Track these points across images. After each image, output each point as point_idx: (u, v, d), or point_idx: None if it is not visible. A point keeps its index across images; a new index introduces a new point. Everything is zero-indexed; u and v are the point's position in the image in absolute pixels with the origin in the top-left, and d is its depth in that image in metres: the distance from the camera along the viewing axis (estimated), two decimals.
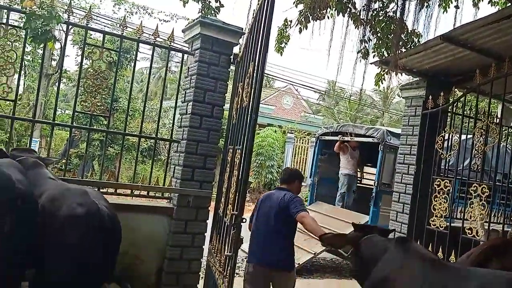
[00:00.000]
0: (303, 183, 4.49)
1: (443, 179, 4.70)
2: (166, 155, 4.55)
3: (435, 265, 2.41)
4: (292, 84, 26.37)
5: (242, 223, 2.87)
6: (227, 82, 4.08)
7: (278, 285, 3.78)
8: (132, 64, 17.50)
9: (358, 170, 8.74)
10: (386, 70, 6.16)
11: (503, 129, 5.79)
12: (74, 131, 14.46)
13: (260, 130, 16.85)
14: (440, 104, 4.87)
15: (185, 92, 4.11)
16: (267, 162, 15.01)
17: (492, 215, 6.24)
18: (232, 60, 4.07)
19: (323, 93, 32.05)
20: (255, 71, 2.99)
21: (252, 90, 3.00)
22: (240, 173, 2.97)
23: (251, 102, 2.98)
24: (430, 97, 4.99)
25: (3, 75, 3.28)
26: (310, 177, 8.74)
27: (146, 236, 3.85)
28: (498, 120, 5.29)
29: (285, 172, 4.29)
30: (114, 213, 2.52)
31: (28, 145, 4.16)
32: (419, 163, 5.05)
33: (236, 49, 4.09)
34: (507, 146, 7.51)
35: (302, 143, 15.96)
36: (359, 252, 2.75)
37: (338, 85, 27.95)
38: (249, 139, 2.91)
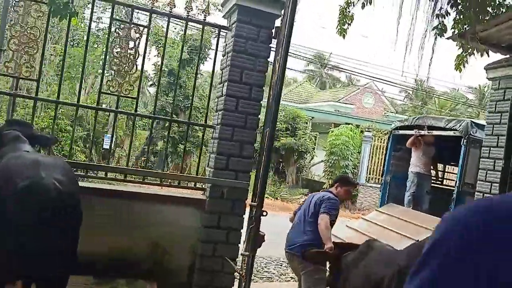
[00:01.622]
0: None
1: None
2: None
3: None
4: (374, 80, 25.10)
5: (262, 216, 2.39)
6: (268, 60, 3.61)
7: (302, 272, 3.89)
8: (208, 61, 17.68)
9: (433, 169, 7.72)
10: (468, 51, 5.27)
11: None
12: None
13: (334, 128, 16.11)
14: None
15: (222, 72, 3.72)
16: (341, 162, 14.20)
17: None
18: (274, 35, 3.58)
19: (409, 90, 30.16)
20: (281, 37, 2.50)
21: (279, 59, 2.51)
22: (263, 155, 2.49)
23: (277, 73, 2.49)
24: None
25: (25, 53, 3.13)
26: (382, 177, 7.92)
27: (177, 229, 3.52)
28: None
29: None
30: (72, 188, 2.14)
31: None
32: (508, 156, 4.15)
33: (278, 22, 3.60)
34: None
35: (381, 142, 14.88)
36: (337, 266, 2.97)
37: (427, 83, 26.05)
38: (273, 116, 2.42)
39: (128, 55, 3.44)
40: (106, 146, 11.22)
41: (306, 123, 17.59)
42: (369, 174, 14.96)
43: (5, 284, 2.01)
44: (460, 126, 6.08)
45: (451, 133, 6.40)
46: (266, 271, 5.69)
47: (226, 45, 3.71)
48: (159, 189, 3.96)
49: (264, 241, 2.45)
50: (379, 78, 24.52)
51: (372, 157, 14.87)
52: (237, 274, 3.70)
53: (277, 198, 13.92)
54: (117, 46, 3.49)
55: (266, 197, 13.80)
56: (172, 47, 13.06)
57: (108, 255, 3.34)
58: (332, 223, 3.91)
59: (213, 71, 3.80)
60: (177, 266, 3.53)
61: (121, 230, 3.37)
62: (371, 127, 15.86)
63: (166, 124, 12.70)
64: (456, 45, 5.34)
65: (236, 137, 3.53)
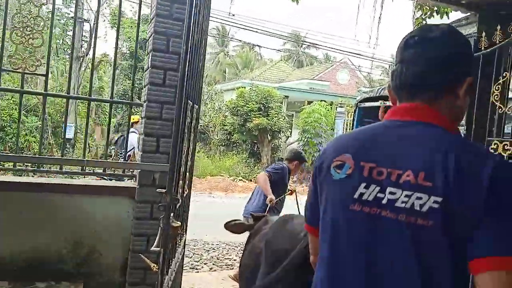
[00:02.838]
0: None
1: (502, 141, 3.49)
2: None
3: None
4: (348, 55, 24.79)
5: (175, 204, 2.01)
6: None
7: None
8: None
9: None
10: (427, 13, 4.95)
11: None
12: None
13: (305, 106, 15.79)
14: (497, 42, 3.62)
15: (147, 42, 3.29)
16: (314, 140, 13.92)
17: None
18: None
19: (385, 64, 30.03)
20: None
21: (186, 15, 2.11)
22: (175, 131, 2.11)
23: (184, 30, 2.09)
24: (484, 34, 3.75)
25: (30, 45, 2.72)
26: None
27: (106, 223, 3.13)
28: None
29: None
30: None
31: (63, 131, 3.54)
32: (470, 122, 3.85)
33: None
34: None
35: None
36: (251, 238, 2.96)
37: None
38: (180, 83, 2.03)
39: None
40: (67, 135, 10.69)
41: (281, 102, 17.23)
42: None
43: None
44: None
45: None
46: (228, 258, 5.35)
47: (151, 10, 3.27)
48: (96, 179, 3.56)
49: (179, 233, 2.09)
50: (353, 53, 24.28)
51: (346, 132, 14.64)
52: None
53: (251, 180, 13.60)
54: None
55: (240, 180, 13.50)
56: (131, 27, 12.43)
57: (24, 256, 2.95)
58: (281, 187, 4.55)
59: (136, 41, 3.35)
60: (107, 264, 3.15)
61: (38, 227, 2.96)
62: (344, 103, 15.58)
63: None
64: (415, 8, 5.02)
65: (166, 115, 3.12)
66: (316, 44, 26.93)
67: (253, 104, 15.25)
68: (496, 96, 3.58)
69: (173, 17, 3.08)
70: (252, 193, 4.73)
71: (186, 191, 2.67)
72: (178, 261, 2.68)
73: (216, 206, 9.05)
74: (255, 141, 16.00)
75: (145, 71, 3.27)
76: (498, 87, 3.58)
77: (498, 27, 3.62)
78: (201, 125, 16.46)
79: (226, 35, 36.14)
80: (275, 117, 15.24)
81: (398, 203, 0.99)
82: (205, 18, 2.89)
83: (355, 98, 17.91)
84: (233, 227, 3.26)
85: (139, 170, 3.13)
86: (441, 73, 1.08)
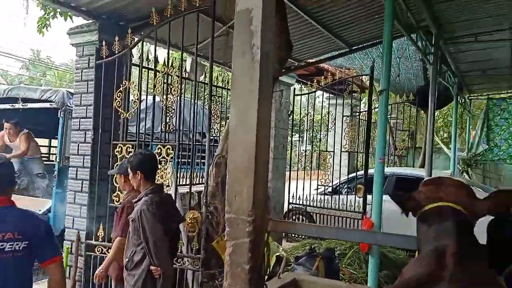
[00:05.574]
0: None
1: (125, 144, 3.80)
2: None
3: None
4: None
5: None
6: None
7: None
8: None
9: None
10: (50, 13, 4.81)
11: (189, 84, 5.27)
12: None
13: None
14: (116, 52, 3.90)
15: None
16: None
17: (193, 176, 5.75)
18: None
19: (25, 60, 27.52)
20: None
21: None
22: None
23: None
24: (104, 43, 3.96)
25: None
26: None
27: None
28: (186, 74, 4.79)
29: None
30: None
31: None
32: (96, 127, 4.01)
33: None
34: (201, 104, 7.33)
35: None
36: None
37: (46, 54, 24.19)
38: None
39: None
40: None
41: None
42: None
43: None
44: (56, 97, 5.57)
45: (47, 104, 5.78)
46: None
47: None
48: None
49: None
50: None
51: None
52: None
53: None
54: None
55: None
56: None
57: None
58: None
59: None
60: None
61: None
62: None
63: None
64: (37, 6, 4.78)
65: None
66: None
67: None
68: (118, 103, 3.86)
69: None
70: None
71: None
72: None
73: None
74: None
75: None
76: (120, 94, 3.87)
77: (117, 38, 3.90)
78: None
79: None
80: None
81: (6, 249, 2.04)
82: None
83: None
84: None
85: None
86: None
